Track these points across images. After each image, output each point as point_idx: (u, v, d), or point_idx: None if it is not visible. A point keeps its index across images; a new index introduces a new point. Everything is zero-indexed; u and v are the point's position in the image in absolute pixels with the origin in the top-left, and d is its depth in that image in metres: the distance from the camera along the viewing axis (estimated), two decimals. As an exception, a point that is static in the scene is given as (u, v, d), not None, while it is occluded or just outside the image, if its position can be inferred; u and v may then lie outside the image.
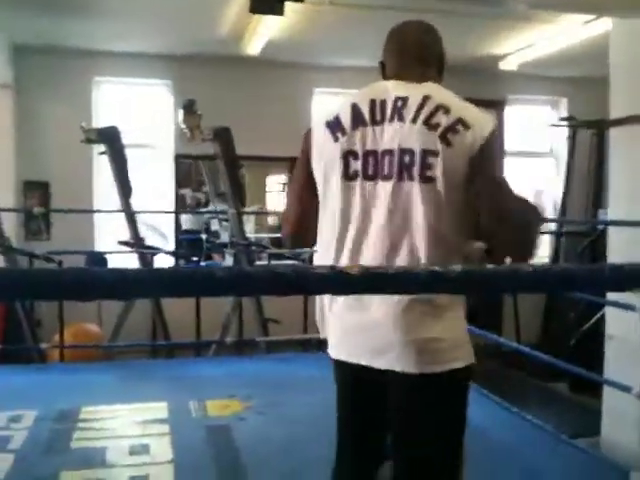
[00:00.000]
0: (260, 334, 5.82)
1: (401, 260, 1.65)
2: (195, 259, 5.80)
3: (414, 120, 1.66)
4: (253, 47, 5.37)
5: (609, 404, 3.96)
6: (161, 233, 6.51)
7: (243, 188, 5.83)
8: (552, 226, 7.09)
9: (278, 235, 7.27)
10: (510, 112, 7.16)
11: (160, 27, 5.36)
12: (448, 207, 1.63)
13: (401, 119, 1.67)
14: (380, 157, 1.68)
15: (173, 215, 6.58)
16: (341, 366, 1.83)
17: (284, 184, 7.54)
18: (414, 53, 1.83)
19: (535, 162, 7.62)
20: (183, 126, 6.14)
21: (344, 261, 1.71)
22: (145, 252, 5.67)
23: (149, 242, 5.96)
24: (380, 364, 1.70)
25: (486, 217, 1.65)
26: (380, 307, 1.68)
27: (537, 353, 4.55)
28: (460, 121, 1.66)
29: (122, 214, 5.75)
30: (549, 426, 3.89)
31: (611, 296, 3.79)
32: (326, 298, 1.80)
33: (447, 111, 1.67)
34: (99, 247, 6.27)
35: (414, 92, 1.71)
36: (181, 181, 6.65)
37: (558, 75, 6.84)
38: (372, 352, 1.71)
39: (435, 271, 0.89)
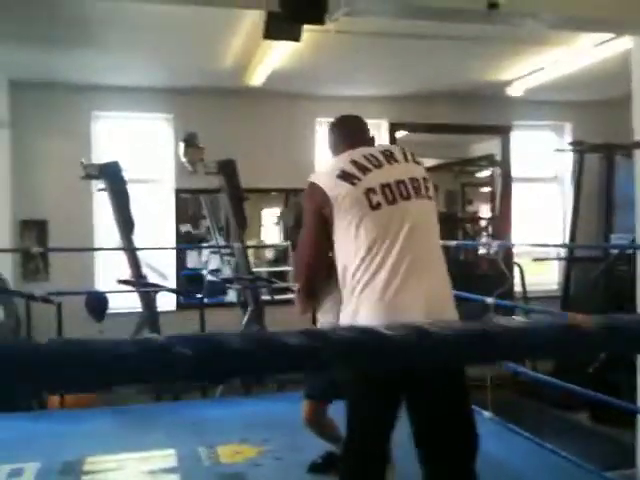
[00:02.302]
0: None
1: (429, 253, 2.29)
2: (199, 296, 5.60)
3: (406, 159, 2.35)
4: (257, 78, 5.25)
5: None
6: (161, 273, 6.31)
7: (246, 222, 5.66)
8: (562, 252, 6.95)
9: (277, 269, 7.13)
10: (515, 138, 7.05)
11: (160, 60, 5.25)
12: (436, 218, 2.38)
13: (397, 160, 2.32)
14: (395, 186, 2.25)
15: (174, 252, 6.39)
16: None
17: (279, 217, 7.42)
18: (366, 133, 2.53)
19: (540, 187, 7.49)
20: (185, 160, 6.02)
21: (383, 258, 2.19)
22: (147, 290, 5.48)
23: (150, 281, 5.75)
24: None
25: None
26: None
27: (557, 381, 4.36)
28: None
29: (122, 251, 5.57)
30: (578, 459, 3.70)
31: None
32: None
33: (415, 155, 2.40)
34: (99, 286, 6.06)
35: (390, 146, 2.50)
36: (181, 216, 6.48)
37: (562, 99, 6.76)
38: None
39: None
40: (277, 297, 6.32)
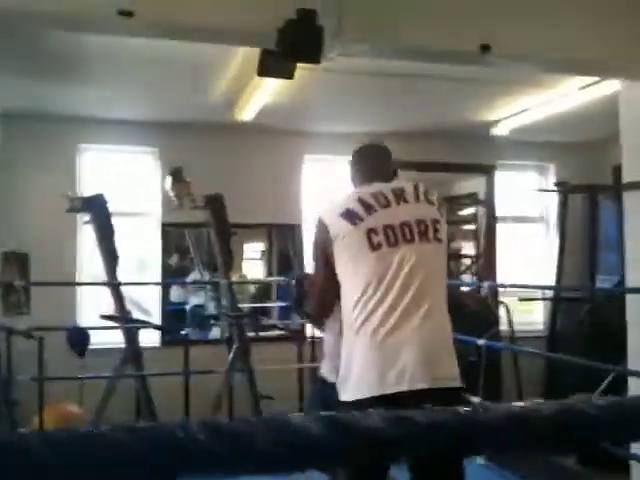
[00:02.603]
0: (252, 412, 5.50)
1: (424, 297, 2.20)
2: (183, 332, 5.52)
3: (417, 199, 2.30)
4: (246, 114, 5.26)
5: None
6: (144, 309, 6.22)
7: (233, 258, 5.62)
8: (548, 293, 6.97)
9: (260, 305, 7.07)
10: (499, 177, 7.11)
11: (147, 93, 5.23)
12: (445, 259, 2.35)
13: (406, 201, 2.29)
14: (399, 228, 2.23)
15: (159, 287, 6.31)
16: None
17: (262, 251, 7.38)
18: (384, 166, 2.49)
19: (525, 227, 7.54)
20: (171, 194, 5.99)
21: (379, 299, 2.18)
22: (130, 326, 5.37)
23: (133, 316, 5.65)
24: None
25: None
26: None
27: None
28: (439, 202, 2.38)
29: (106, 286, 5.49)
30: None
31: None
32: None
33: (432, 193, 2.35)
34: (81, 320, 5.96)
35: (403, 184, 2.36)
36: (167, 249, 6.42)
37: (545, 140, 6.84)
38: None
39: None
40: (262, 334, 6.28)
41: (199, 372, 5.49)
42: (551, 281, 6.92)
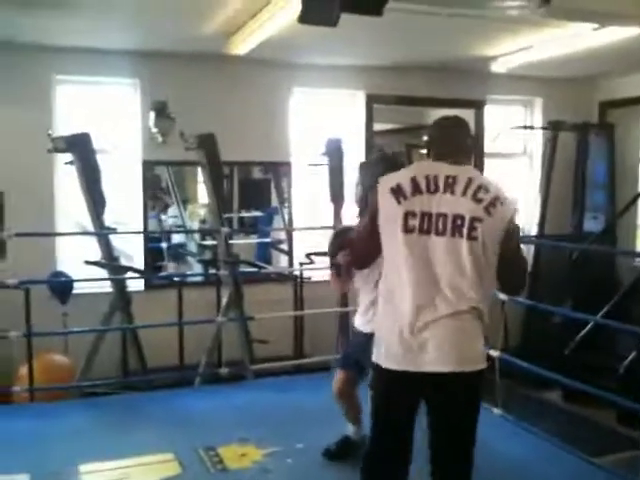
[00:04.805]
0: (246, 356, 5.39)
1: (448, 287, 2.27)
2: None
3: (464, 194, 2.28)
4: (243, 47, 4.88)
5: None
6: (127, 255, 5.93)
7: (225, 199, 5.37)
8: (533, 229, 6.97)
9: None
10: (488, 112, 6.96)
11: (139, 23, 4.75)
12: (484, 257, 2.27)
13: (453, 192, 2.29)
14: (435, 218, 2.28)
15: (141, 223, 6.00)
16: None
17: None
18: (453, 144, 2.43)
19: (510, 163, 7.46)
20: (155, 130, 5.64)
21: (405, 280, 2.31)
22: (114, 278, 5.12)
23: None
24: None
25: (506, 271, 2.35)
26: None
27: (536, 367, 4.33)
28: (497, 198, 2.29)
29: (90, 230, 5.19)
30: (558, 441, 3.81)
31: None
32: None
33: (487, 190, 2.29)
34: (62, 265, 5.64)
35: (460, 173, 2.32)
36: (148, 187, 6.07)
37: (533, 75, 6.67)
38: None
39: None
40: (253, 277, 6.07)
41: (194, 322, 5.33)
42: (535, 218, 6.93)
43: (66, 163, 5.09)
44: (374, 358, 2.42)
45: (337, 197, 5.69)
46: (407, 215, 2.30)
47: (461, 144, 2.46)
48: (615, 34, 4.74)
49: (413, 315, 2.28)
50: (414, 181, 2.32)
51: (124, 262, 5.55)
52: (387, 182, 2.39)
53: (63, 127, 5.43)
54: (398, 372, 2.33)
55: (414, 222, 2.29)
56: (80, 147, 4.84)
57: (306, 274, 6.02)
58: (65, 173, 5.48)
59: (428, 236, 2.28)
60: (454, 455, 2.41)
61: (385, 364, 2.37)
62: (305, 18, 2.80)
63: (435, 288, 2.28)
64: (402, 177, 2.37)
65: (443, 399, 2.32)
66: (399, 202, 2.31)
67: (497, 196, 2.29)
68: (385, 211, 2.36)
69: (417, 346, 2.27)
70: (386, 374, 2.37)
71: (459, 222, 2.25)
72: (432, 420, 2.37)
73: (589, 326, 5.70)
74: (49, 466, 3.56)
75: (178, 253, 6.71)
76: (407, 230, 2.30)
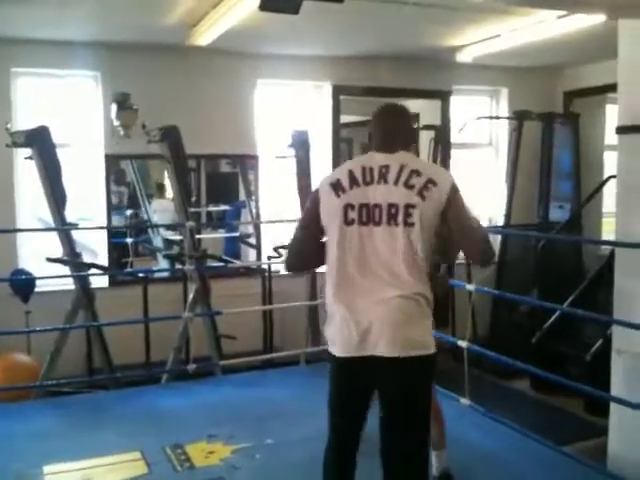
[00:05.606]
0: (213, 352, 5.33)
1: (388, 275, 2.31)
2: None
3: (396, 182, 2.34)
4: (205, 38, 4.80)
5: (616, 420, 3.82)
6: (90, 250, 5.81)
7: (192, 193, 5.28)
8: (499, 220, 7.01)
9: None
10: (453, 103, 6.95)
11: (100, 15, 4.64)
12: (421, 241, 2.30)
13: (386, 181, 2.35)
14: (372, 208, 2.35)
15: (105, 219, 5.89)
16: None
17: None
18: (389, 133, 2.47)
19: (476, 153, 7.47)
20: (117, 123, 5.52)
21: (349, 271, 2.36)
22: (77, 275, 5.00)
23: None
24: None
25: (467, 244, 2.39)
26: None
27: (505, 357, 4.35)
28: (430, 181, 2.32)
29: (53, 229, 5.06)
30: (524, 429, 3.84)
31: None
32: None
33: (419, 174, 2.33)
34: (23, 263, 5.50)
35: (393, 162, 2.38)
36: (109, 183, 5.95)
37: (499, 64, 6.69)
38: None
39: None
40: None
41: (160, 319, 5.24)
42: (502, 209, 6.96)
43: (26, 158, 4.95)
44: (329, 348, 2.47)
45: (304, 189, 5.63)
46: (346, 208, 2.36)
47: (398, 133, 2.47)
48: (580, 22, 4.75)
49: (357, 304, 2.33)
50: (351, 174, 2.39)
51: (88, 258, 5.45)
52: (327, 179, 2.47)
53: (22, 121, 5.30)
54: (347, 359, 2.37)
55: (353, 214, 2.35)
56: (39, 141, 4.72)
57: (274, 268, 5.97)
58: (25, 168, 5.34)
59: (367, 227, 2.34)
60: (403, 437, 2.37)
61: (334, 352, 2.42)
62: (266, 5, 2.75)
63: (376, 276, 2.33)
64: (341, 172, 2.45)
65: (390, 384, 2.33)
66: (338, 196, 2.38)
67: (430, 179, 2.31)
68: (326, 207, 2.42)
69: (361, 333, 2.30)
70: (336, 361, 2.42)
71: (393, 211, 2.31)
72: (380, 406, 2.36)
73: (556, 315, 5.73)
74: (12, 467, 3.48)
75: (144, 248, 6.62)
76: (347, 222, 2.36)
